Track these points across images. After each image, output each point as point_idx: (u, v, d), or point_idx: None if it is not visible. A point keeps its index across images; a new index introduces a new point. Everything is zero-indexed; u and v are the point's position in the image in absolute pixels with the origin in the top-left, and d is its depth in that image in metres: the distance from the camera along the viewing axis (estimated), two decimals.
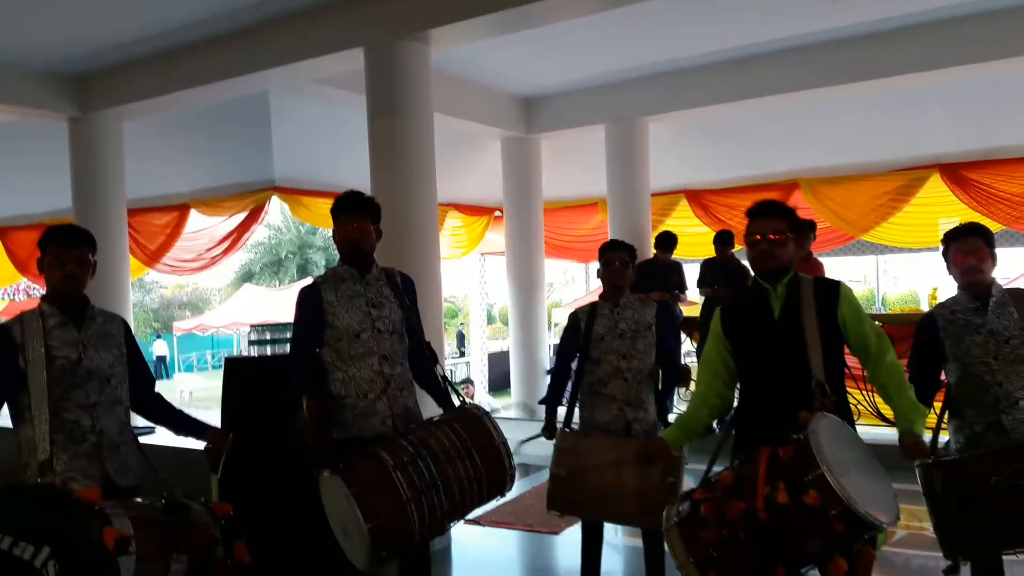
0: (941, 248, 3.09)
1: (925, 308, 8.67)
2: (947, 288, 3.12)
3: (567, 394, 3.83)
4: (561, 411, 3.81)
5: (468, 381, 14.28)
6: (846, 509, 2.08)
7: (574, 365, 3.78)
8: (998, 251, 3.09)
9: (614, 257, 3.69)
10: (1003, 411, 2.88)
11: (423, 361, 3.25)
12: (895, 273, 27.05)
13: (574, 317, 3.81)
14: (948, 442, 3.09)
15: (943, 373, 3.07)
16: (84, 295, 2.71)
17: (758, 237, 2.68)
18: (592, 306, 3.78)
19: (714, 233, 7.87)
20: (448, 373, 3.32)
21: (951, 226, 3.11)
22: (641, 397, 3.60)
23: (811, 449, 2.15)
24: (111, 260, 7.80)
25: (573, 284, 24.33)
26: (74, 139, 7.81)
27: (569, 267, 22.78)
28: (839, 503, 2.08)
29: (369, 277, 3.15)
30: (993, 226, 7.66)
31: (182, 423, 2.93)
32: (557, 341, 15.26)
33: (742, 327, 2.76)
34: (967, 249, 2.96)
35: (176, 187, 9.64)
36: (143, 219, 10.01)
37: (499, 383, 13.92)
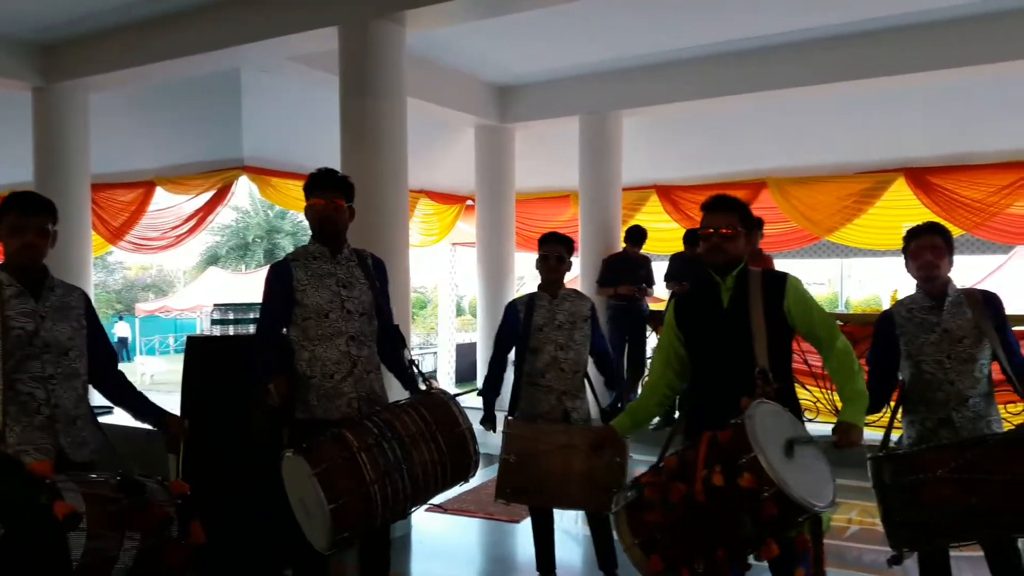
0: (903, 246, 3.15)
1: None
2: (907, 290, 3.19)
3: (509, 382, 3.89)
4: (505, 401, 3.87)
5: (432, 376, 14.24)
6: (778, 491, 2.14)
7: (511, 355, 3.86)
8: (959, 257, 3.18)
9: (548, 252, 3.81)
10: (954, 408, 2.96)
11: (391, 344, 3.24)
12: (859, 277, 27.57)
13: (512, 307, 3.89)
14: (901, 438, 3.16)
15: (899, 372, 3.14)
16: (43, 265, 2.64)
17: (710, 231, 2.75)
18: (531, 297, 3.86)
19: (683, 229, 7.93)
20: (416, 362, 3.30)
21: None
22: (577, 387, 3.75)
23: (746, 433, 2.22)
24: (73, 236, 7.62)
25: None
26: (37, 109, 7.60)
27: None
28: (771, 485, 2.14)
29: (340, 257, 3.12)
30: (954, 231, 7.80)
31: (140, 406, 2.86)
32: None
33: (693, 317, 2.86)
34: (925, 246, 3.04)
35: (142, 163, 9.45)
36: (107, 195, 9.81)
37: (466, 375, 13.90)
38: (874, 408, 3.13)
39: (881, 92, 7.94)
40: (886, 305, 10.02)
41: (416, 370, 3.16)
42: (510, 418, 3.73)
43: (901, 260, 3.21)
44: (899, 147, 8.73)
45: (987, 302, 3.02)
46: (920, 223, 3.18)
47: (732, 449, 2.24)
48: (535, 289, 3.89)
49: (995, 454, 2.73)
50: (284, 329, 3.08)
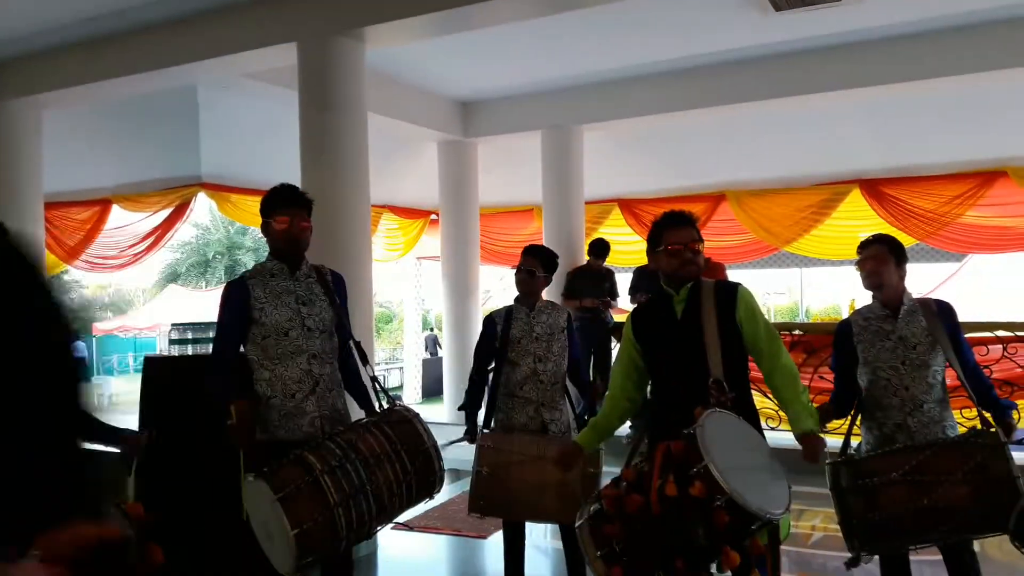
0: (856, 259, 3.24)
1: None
2: (864, 299, 3.28)
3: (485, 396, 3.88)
4: (481, 414, 3.86)
5: (396, 395, 14.14)
6: (730, 500, 2.16)
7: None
8: (913, 266, 3.26)
9: (520, 265, 3.85)
10: (909, 414, 3.04)
11: (350, 363, 3.20)
12: (818, 285, 28.05)
13: (490, 320, 3.89)
14: (860, 444, 3.23)
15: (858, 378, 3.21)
16: None
17: (680, 247, 2.78)
18: (508, 309, 3.86)
19: (645, 242, 7.99)
20: (381, 378, 3.27)
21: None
22: (556, 399, 3.73)
23: (697, 442, 2.25)
24: None
25: (511, 291, 24.34)
26: None
27: (507, 274, 22.86)
28: (723, 494, 2.17)
29: (299, 273, 3.07)
30: (908, 240, 8.03)
31: (92, 429, 2.77)
32: None
33: (648, 329, 2.90)
34: (869, 256, 3.14)
35: (98, 181, 9.28)
36: (61, 213, 9.62)
37: (432, 390, 13.84)
38: (840, 414, 3.25)
39: (836, 106, 8.12)
40: (845, 314, 10.24)
41: (379, 387, 3.13)
42: (484, 431, 3.70)
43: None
44: (854, 159, 8.95)
45: (940, 311, 3.11)
46: (870, 235, 3.28)
47: (684, 459, 2.26)
48: (512, 302, 3.89)
49: (945, 457, 2.81)
50: (241, 348, 3.02)
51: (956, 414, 3.17)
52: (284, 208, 3.01)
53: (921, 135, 8.45)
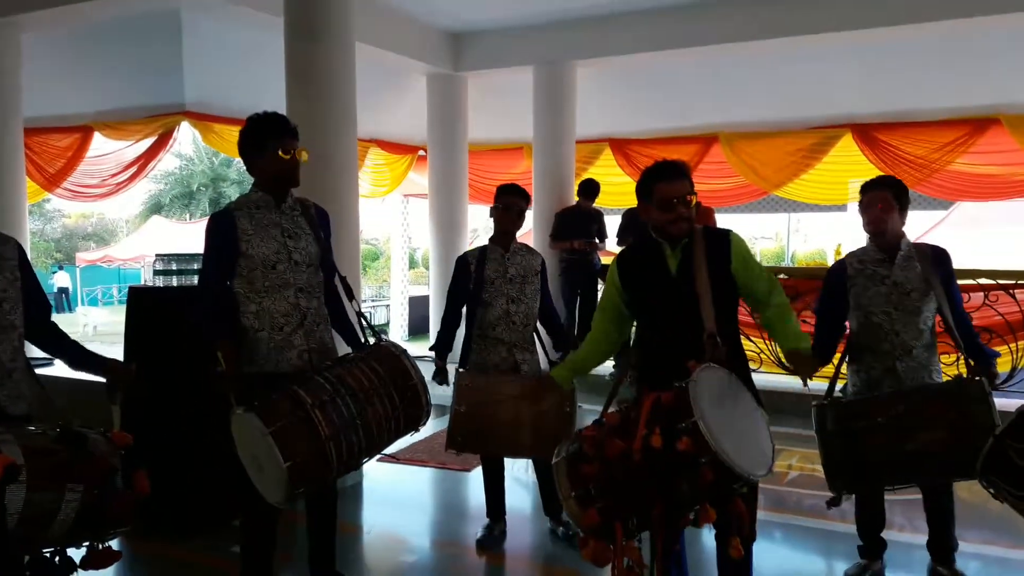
0: (859, 199, 3.20)
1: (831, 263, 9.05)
2: (850, 246, 3.27)
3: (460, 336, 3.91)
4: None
5: (383, 329, 14.18)
6: (715, 458, 2.13)
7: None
8: None
9: (512, 204, 3.79)
10: (898, 358, 3.07)
11: (334, 299, 3.18)
12: (805, 232, 28.17)
13: (463, 260, 3.88)
14: (845, 387, 3.27)
15: (847, 321, 3.23)
16: None
17: (673, 201, 2.62)
18: (482, 250, 3.85)
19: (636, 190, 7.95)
20: (368, 315, 3.25)
21: (858, 187, 3.24)
22: (527, 340, 3.79)
23: (689, 397, 2.20)
24: (6, 182, 7.34)
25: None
26: None
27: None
28: (709, 452, 2.13)
29: (285, 206, 3.01)
30: None
31: (78, 356, 2.76)
32: None
33: (638, 279, 2.78)
34: (874, 200, 3.10)
35: (78, 107, 9.06)
36: (42, 139, 9.42)
37: (419, 327, 13.89)
38: (823, 360, 3.21)
39: (830, 48, 8.01)
40: (831, 259, 10.30)
41: (366, 323, 3.13)
42: (461, 370, 3.74)
43: (845, 216, 3.28)
44: (847, 103, 8.87)
45: (936, 257, 3.10)
46: (874, 177, 3.22)
47: (674, 412, 2.23)
48: (487, 242, 3.87)
49: (930, 404, 2.85)
50: (228, 282, 2.99)
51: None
52: (283, 137, 2.92)
53: (915, 80, 8.36)
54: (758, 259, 3.02)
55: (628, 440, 2.24)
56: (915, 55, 7.97)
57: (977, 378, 2.85)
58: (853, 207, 11.10)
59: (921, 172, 8.68)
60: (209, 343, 2.86)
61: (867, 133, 8.90)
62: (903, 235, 3.14)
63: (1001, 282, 5.80)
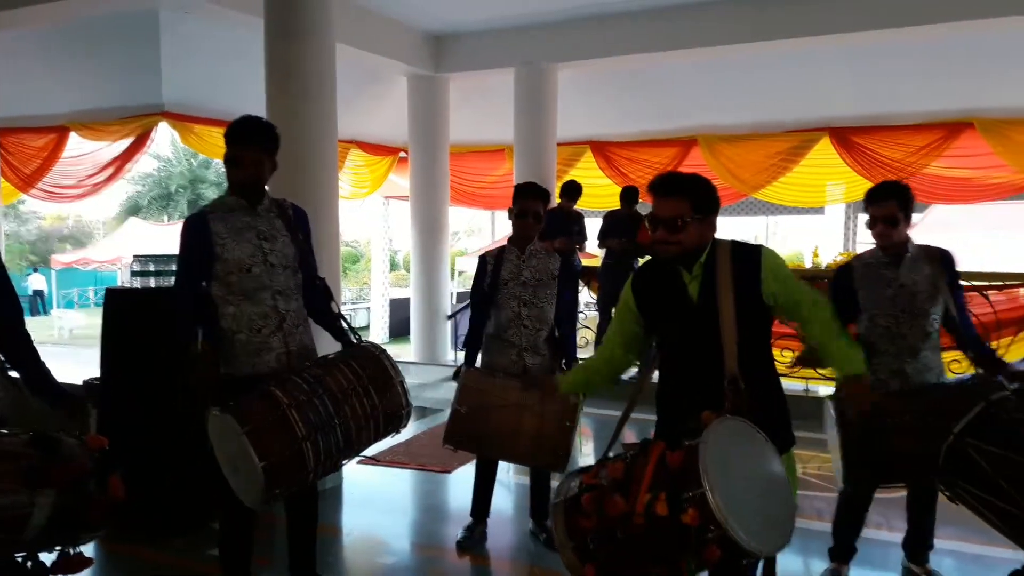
0: (865, 207, 3.18)
1: (808, 266, 9.13)
2: (827, 248, 3.27)
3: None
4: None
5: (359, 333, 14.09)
6: (724, 534, 1.93)
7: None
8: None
9: (528, 209, 3.69)
10: (905, 361, 3.08)
11: (317, 298, 3.14)
12: (783, 234, 28.40)
13: (482, 260, 3.83)
14: None
15: (856, 325, 3.22)
16: None
17: (655, 223, 2.36)
18: (500, 251, 3.79)
19: (618, 187, 7.99)
20: (348, 317, 3.21)
21: (835, 190, 3.24)
22: (538, 344, 3.70)
23: (698, 461, 1.98)
24: None
25: (479, 234, 24.21)
26: None
27: (475, 216, 22.62)
28: (718, 526, 1.93)
29: (260, 208, 2.97)
30: None
31: (38, 378, 2.59)
32: (459, 289, 15.30)
33: (655, 304, 2.49)
34: (878, 216, 3.08)
35: (54, 107, 8.97)
36: (16, 139, 9.32)
37: (399, 330, 13.85)
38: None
39: (809, 52, 8.10)
40: (808, 262, 10.39)
41: (345, 324, 3.11)
42: (466, 369, 3.69)
43: (822, 218, 3.28)
44: (825, 106, 8.97)
45: (943, 259, 3.11)
46: (882, 183, 3.19)
47: (680, 477, 2.01)
48: (505, 242, 3.81)
49: (950, 400, 2.84)
50: (204, 284, 2.95)
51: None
52: (242, 144, 2.87)
53: (892, 84, 8.47)
54: None
55: (628, 500, 2.05)
56: (892, 59, 8.08)
57: (997, 377, 2.82)
58: (830, 210, 11.32)
59: (897, 175, 8.77)
60: (185, 345, 2.84)
61: (844, 136, 9.01)
62: (908, 238, 3.14)
63: (975, 284, 5.89)
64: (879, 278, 3.12)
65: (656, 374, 2.57)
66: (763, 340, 2.44)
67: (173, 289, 3.13)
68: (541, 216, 3.72)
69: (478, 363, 3.80)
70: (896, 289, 3.08)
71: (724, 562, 2.00)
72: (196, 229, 2.89)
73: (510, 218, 3.74)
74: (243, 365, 2.89)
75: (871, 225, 3.12)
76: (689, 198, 2.34)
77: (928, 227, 12.15)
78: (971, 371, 3.06)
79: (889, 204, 3.06)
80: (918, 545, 3.38)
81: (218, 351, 2.89)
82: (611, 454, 2.34)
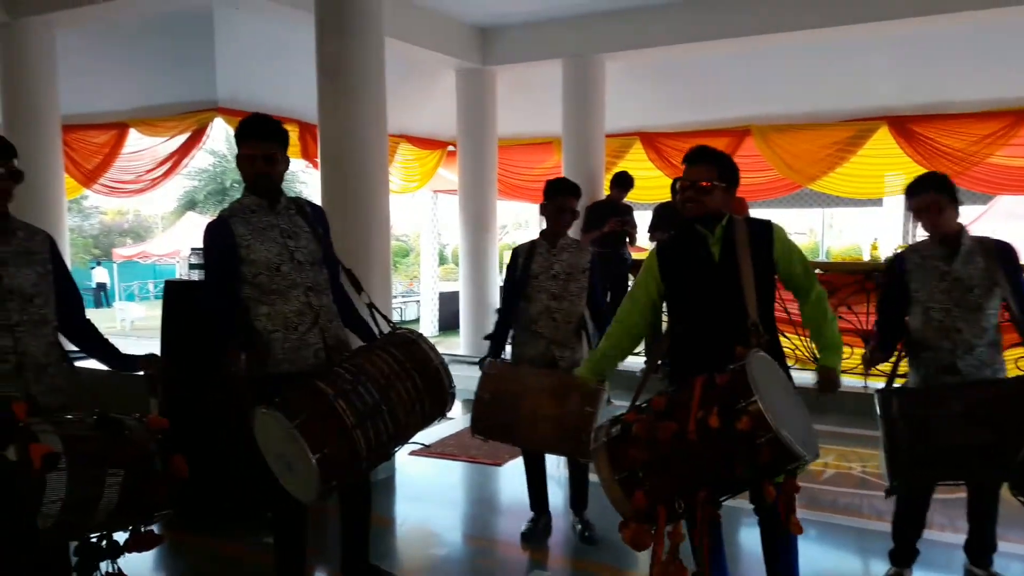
0: (906, 203, 3.13)
1: (867, 259, 8.90)
2: (887, 241, 3.18)
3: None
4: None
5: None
6: (774, 438, 2.13)
7: None
8: None
9: (565, 206, 3.74)
10: (959, 356, 2.96)
11: (344, 295, 3.14)
12: (840, 227, 27.73)
13: (515, 253, 3.88)
14: (906, 382, 3.18)
15: (910, 318, 3.12)
16: (4, 208, 2.52)
17: (686, 184, 2.73)
18: (532, 244, 3.83)
19: (666, 178, 7.88)
20: (398, 311, 3.21)
21: (895, 181, 3.16)
22: (568, 336, 3.74)
23: (747, 378, 2.21)
24: (45, 178, 7.46)
25: (527, 227, 24.20)
26: (2, 46, 7.35)
27: (523, 210, 22.62)
28: (768, 431, 2.13)
29: (279, 207, 2.97)
30: None
31: (109, 354, 2.76)
32: None
33: (680, 269, 2.80)
34: (921, 207, 3.00)
35: (114, 104, 9.22)
36: (79, 136, 9.60)
37: (449, 323, 13.94)
38: (886, 355, 3.16)
39: (865, 40, 7.87)
40: (866, 255, 10.12)
41: (378, 312, 3.07)
42: (490, 359, 3.72)
43: (881, 210, 3.20)
44: (883, 96, 8.71)
45: (1001, 251, 2.99)
46: (918, 176, 3.11)
47: (730, 393, 2.22)
48: (537, 236, 3.85)
49: (1008, 396, 2.75)
50: (233, 286, 2.92)
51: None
52: (248, 139, 2.88)
53: (952, 71, 8.19)
54: None
55: (679, 421, 2.24)
56: (951, 46, 7.80)
57: None
58: (889, 202, 11.01)
59: (959, 165, 8.49)
60: (223, 348, 2.84)
61: (903, 126, 8.73)
62: (961, 227, 3.03)
63: None
64: (933, 269, 3.02)
65: (668, 339, 2.81)
66: (771, 297, 2.76)
67: (204, 294, 3.13)
68: (576, 212, 3.78)
69: (507, 355, 3.83)
70: (950, 282, 2.98)
71: (771, 468, 2.21)
72: (218, 233, 2.89)
73: (542, 213, 3.79)
74: (282, 363, 2.89)
75: (916, 218, 3.05)
76: (716, 166, 2.72)
77: (993, 217, 11.77)
78: None
79: (926, 195, 2.99)
80: (980, 547, 3.26)
81: (255, 351, 2.88)
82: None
